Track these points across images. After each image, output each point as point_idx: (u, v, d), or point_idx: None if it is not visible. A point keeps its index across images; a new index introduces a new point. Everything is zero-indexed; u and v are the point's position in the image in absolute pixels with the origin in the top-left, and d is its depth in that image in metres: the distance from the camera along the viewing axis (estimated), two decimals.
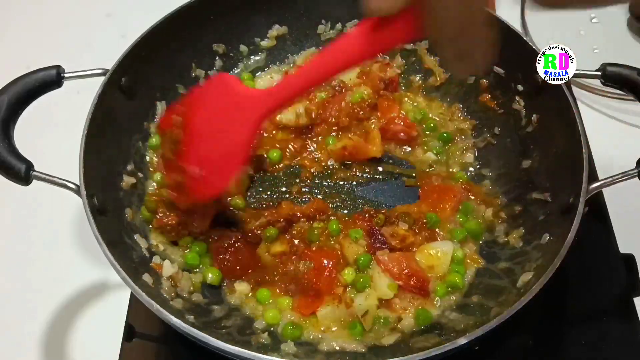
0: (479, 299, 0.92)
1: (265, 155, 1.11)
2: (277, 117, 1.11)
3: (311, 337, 0.90)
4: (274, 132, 1.13)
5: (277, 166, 1.11)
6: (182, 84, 1.14)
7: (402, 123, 1.12)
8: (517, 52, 1.03)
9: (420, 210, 1.03)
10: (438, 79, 1.20)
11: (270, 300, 0.94)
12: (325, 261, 0.95)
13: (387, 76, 1.16)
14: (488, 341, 0.78)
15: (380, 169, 1.12)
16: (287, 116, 1.11)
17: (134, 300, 0.98)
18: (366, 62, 1.14)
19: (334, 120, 1.12)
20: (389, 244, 0.96)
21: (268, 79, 1.23)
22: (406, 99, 1.19)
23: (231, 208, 1.03)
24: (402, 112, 1.14)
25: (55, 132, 1.21)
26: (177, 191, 0.92)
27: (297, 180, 1.10)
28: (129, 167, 1.02)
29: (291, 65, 1.24)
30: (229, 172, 0.88)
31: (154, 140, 1.07)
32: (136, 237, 0.95)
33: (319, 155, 1.12)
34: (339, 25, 1.23)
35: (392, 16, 0.63)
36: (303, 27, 1.23)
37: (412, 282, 0.91)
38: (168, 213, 0.96)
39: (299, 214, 1.01)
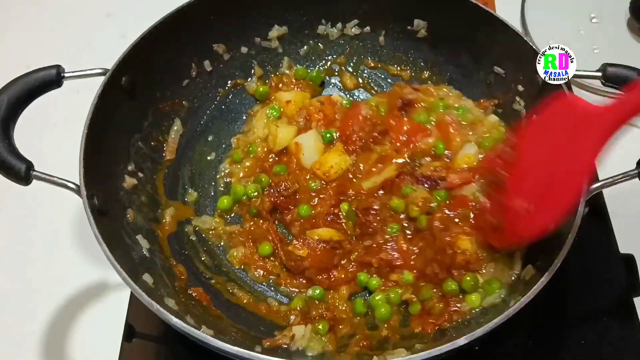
0: None
1: None
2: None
3: None
4: None
5: None
6: (182, 84, 1.15)
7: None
8: (517, 52, 1.03)
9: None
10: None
11: None
12: None
13: (407, 97, 1.13)
14: (488, 341, 0.78)
15: None
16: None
17: (134, 300, 0.98)
18: None
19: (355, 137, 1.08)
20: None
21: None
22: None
23: None
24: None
25: (55, 132, 1.21)
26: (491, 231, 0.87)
27: None
28: (130, 167, 1.02)
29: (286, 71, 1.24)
30: (562, 204, 0.78)
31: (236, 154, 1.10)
32: (138, 237, 0.95)
33: None
34: (339, 25, 1.23)
35: None
36: (303, 27, 1.23)
37: None
38: None
39: None
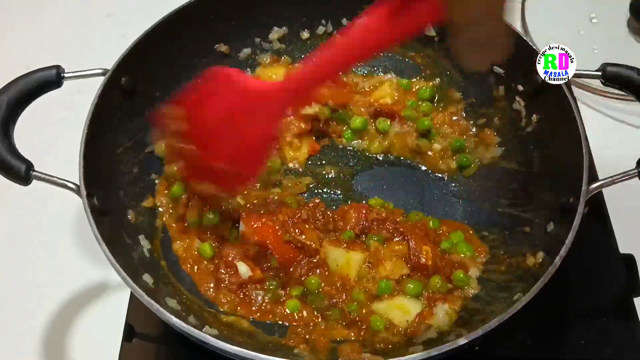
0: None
1: None
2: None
3: None
4: None
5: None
6: (182, 84, 1.14)
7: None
8: (517, 52, 1.03)
9: None
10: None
11: None
12: None
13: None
14: (488, 341, 0.78)
15: None
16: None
17: (134, 300, 0.98)
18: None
19: None
20: None
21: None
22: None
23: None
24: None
25: (55, 132, 1.21)
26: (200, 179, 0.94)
27: None
28: (130, 167, 1.02)
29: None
30: (255, 166, 0.88)
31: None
32: (140, 237, 0.95)
33: None
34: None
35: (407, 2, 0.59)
36: (303, 27, 1.23)
37: None
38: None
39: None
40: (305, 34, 1.23)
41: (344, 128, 1.15)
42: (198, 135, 0.89)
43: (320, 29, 1.23)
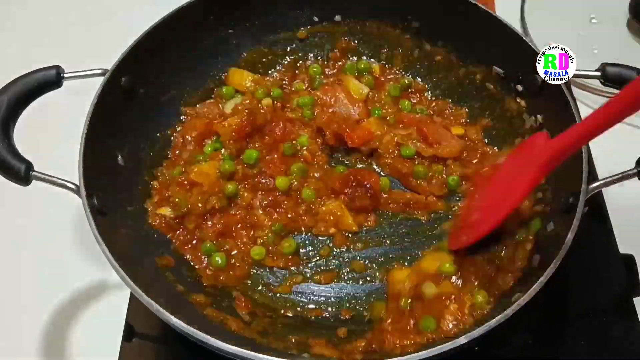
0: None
1: None
2: None
3: None
4: None
5: None
6: (182, 84, 1.15)
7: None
8: (517, 52, 1.03)
9: None
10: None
11: None
12: None
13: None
14: (488, 341, 0.78)
15: None
16: None
17: (133, 300, 0.98)
18: None
19: None
20: None
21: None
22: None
23: None
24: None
25: (55, 132, 1.21)
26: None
27: None
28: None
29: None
30: (496, 219, 0.87)
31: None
32: None
33: None
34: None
35: None
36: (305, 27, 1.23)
37: None
38: None
39: None
40: (304, 33, 1.23)
41: None
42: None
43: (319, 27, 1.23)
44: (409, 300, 0.90)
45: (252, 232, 1.02)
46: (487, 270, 0.92)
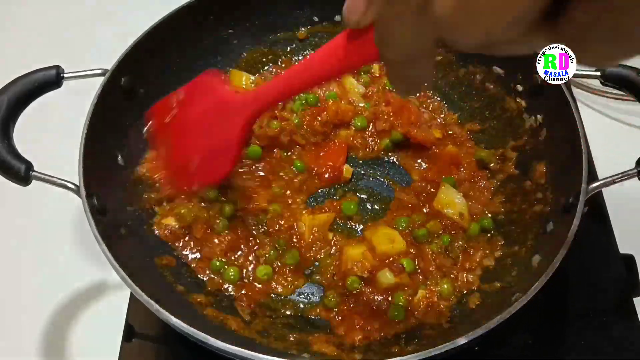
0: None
1: None
2: None
3: None
4: None
5: None
6: (182, 84, 1.14)
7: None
8: None
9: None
10: None
11: None
12: None
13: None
14: (488, 341, 0.78)
15: None
16: None
17: (133, 300, 0.98)
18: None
19: None
20: None
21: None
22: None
23: None
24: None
25: (55, 132, 1.21)
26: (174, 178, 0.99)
27: None
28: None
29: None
30: (224, 166, 0.91)
31: None
32: None
33: None
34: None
35: (365, 30, 0.60)
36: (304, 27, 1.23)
37: None
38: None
39: None
40: (304, 33, 1.23)
41: None
42: (179, 131, 0.94)
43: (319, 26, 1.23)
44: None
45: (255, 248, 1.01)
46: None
